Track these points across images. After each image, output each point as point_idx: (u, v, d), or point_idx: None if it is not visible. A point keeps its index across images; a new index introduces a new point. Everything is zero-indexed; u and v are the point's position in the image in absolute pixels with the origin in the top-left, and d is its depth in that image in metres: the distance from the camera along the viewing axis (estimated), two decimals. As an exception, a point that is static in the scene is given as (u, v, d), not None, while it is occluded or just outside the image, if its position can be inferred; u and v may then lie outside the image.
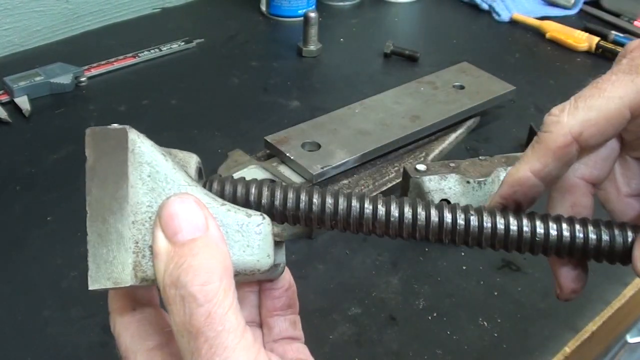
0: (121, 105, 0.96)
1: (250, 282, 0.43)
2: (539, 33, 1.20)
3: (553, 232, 0.40)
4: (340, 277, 0.70)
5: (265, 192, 0.38)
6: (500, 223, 0.39)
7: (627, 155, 0.43)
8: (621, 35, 1.16)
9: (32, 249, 0.71)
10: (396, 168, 0.82)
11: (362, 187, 0.78)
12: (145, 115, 0.94)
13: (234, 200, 0.38)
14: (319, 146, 0.79)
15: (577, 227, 0.40)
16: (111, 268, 0.34)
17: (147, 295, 0.39)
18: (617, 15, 1.26)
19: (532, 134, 0.87)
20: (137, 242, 0.34)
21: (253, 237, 0.35)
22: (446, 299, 0.68)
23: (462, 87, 0.92)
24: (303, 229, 0.72)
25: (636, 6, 1.26)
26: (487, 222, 0.39)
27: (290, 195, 0.38)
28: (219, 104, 0.97)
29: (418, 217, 0.39)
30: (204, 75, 1.04)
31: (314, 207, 0.38)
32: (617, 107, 0.38)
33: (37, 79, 0.95)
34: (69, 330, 0.62)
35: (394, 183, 0.79)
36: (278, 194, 0.38)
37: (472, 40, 1.19)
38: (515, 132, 0.91)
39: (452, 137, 0.88)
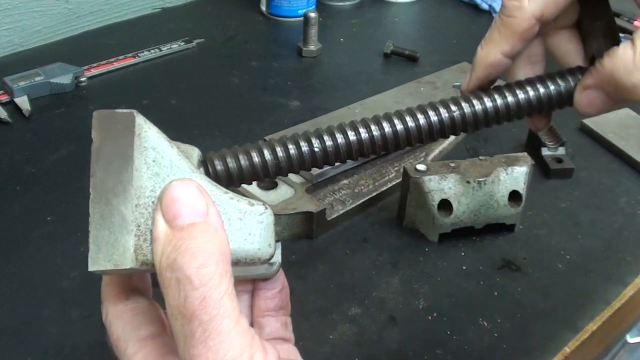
0: (121, 105, 0.95)
1: (244, 282, 0.43)
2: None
3: (522, 98, 0.45)
4: (340, 277, 0.70)
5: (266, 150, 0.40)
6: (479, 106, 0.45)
7: None
8: (621, 35, 1.16)
9: (32, 249, 0.71)
10: (396, 168, 0.82)
11: (362, 187, 0.78)
12: (145, 115, 0.93)
13: (239, 171, 0.39)
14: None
15: (537, 88, 0.45)
16: (112, 250, 0.34)
17: (142, 286, 0.39)
18: (616, 15, 1.26)
19: (532, 134, 0.87)
20: (139, 226, 0.34)
21: (255, 226, 0.35)
22: (446, 299, 0.68)
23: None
24: (303, 229, 0.72)
25: (636, 6, 1.26)
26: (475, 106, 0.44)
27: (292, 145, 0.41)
28: (219, 104, 0.97)
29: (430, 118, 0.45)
30: (204, 75, 1.04)
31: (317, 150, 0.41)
32: None
33: (37, 79, 0.95)
34: (69, 330, 0.62)
35: (394, 183, 0.79)
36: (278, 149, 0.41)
37: (472, 40, 1.18)
38: (515, 132, 0.91)
39: (452, 137, 0.88)
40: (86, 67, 1.00)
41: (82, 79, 0.99)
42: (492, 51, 0.45)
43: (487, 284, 0.70)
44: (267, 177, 0.41)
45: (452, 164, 0.73)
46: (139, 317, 0.37)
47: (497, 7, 1.25)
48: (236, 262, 0.35)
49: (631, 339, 0.95)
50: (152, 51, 1.07)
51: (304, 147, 0.41)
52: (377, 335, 0.64)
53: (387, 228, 0.76)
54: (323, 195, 0.77)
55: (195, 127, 0.90)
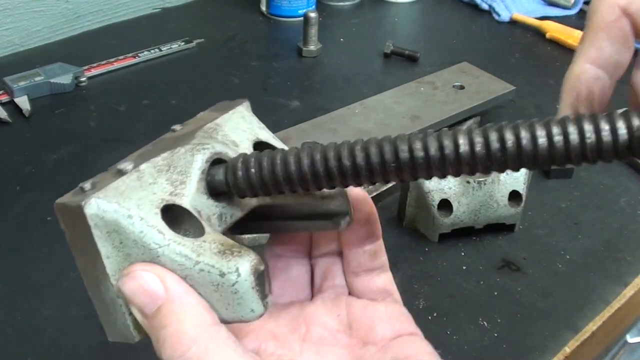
0: (121, 105, 0.96)
1: None
2: (539, 33, 1.20)
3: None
4: (340, 277, 0.70)
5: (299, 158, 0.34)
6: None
7: None
8: None
9: (32, 249, 0.71)
10: (396, 168, 0.82)
11: (362, 187, 0.78)
12: (145, 115, 0.94)
13: (261, 180, 0.34)
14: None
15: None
16: (116, 328, 0.34)
17: None
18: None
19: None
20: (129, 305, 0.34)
21: (231, 297, 0.33)
22: (446, 299, 0.68)
23: (462, 87, 0.92)
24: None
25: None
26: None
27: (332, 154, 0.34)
28: (219, 104, 0.97)
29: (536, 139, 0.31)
30: (204, 75, 1.04)
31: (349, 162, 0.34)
32: None
33: (37, 79, 0.95)
34: (69, 330, 0.62)
35: (394, 183, 0.79)
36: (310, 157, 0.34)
37: (472, 40, 1.19)
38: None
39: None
40: (86, 67, 1.00)
41: (82, 79, 0.99)
42: (576, 64, 0.35)
43: (487, 284, 0.70)
44: (294, 190, 0.35)
45: (452, 164, 0.73)
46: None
47: (497, 7, 1.25)
48: (227, 323, 0.34)
49: (631, 339, 0.95)
50: (152, 51, 1.07)
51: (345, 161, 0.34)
52: (377, 335, 0.64)
53: (387, 228, 0.76)
54: (323, 195, 0.77)
55: (195, 127, 0.90)
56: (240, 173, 0.35)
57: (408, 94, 0.90)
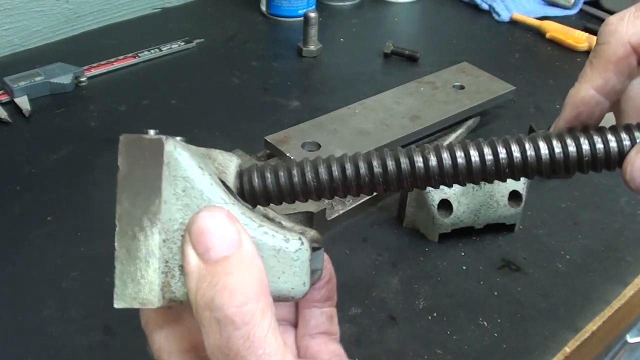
0: (121, 105, 0.96)
1: None
2: (539, 33, 1.20)
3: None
4: (340, 277, 0.69)
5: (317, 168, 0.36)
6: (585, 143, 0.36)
7: None
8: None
9: (32, 249, 0.71)
10: (396, 168, 0.82)
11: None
12: (145, 115, 0.94)
13: (277, 188, 0.36)
14: (319, 146, 0.79)
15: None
16: (138, 287, 0.32)
17: None
18: (617, 15, 1.26)
19: (532, 133, 0.87)
20: (167, 262, 0.32)
21: (289, 264, 0.33)
22: (446, 299, 0.68)
23: (462, 87, 0.92)
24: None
25: (636, 6, 1.26)
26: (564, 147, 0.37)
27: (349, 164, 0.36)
28: (219, 104, 0.97)
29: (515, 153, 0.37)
30: (204, 75, 1.04)
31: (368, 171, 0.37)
32: None
33: (37, 79, 0.95)
34: (69, 330, 0.62)
35: (394, 183, 0.79)
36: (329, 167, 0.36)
37: (472, 40, 1.19)
38: (515, 132, 0.91)
39: (452, 137, 0.88)
40: (86, 67, 1.00)
41: (82, 79, 0.99)
42: (582, 87, 0.38)
43: (487, 284, 0.70)
44: (309, 198, 0.37)
45: (452, 164, 0.73)
46: (181, 327, 0.35)
47: (497, 7, 1.25)
48: None
49: (631, 339, 0.95)
50: (152, 51, 1.07)
51: (363, 170, 0.36)
52: (377, 335, 0.64)
53: (387, 228, 0.76)
54: (323, 195, 0.77)
55: (195, 127, 0.90)
56: (256, 180, 0.36)
57: (408, 94, 0.90)
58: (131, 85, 1.00)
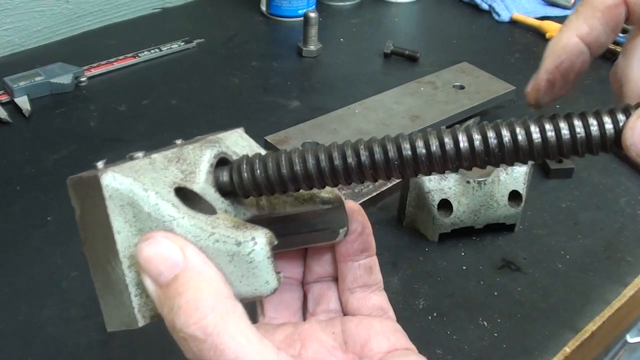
0: (121, 105, 0.96)
1: None
2: (539, 33, 1.20)
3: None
4: (340, 277, 0.70)
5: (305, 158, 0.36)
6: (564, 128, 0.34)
7: None
8: (621, 35, 1.16)
9: (32, 249, 0.71)
10: (396, 168, 0.82)
11: (362, 187, 0.78)
12: (145, 115, 0.94)
13: (266, 179, 0.36)
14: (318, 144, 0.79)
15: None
16: (120, 313, 0.33)
17: None
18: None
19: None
20: (137, 284, 0.33)
21: (246, 267, 0.33)
22: (446, 299, 0.68)
23: (462, 87, 0.92)
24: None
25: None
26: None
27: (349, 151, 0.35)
28: (219, 104, 0.97)
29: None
30: (204, 75, 1.04)
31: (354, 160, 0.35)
32: None
33: (37, 79, 0.95)
34: (69, 330, 0.62)
35: (394, 183, 0.79)
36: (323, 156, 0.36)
37: (472, 40, 1.19)
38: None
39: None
40: (86, 67, 1.00)
41: (82, 79, 0.99)
42: (566, 34, 0.36)
43: (487, 284, 0.70)
44: (298, 189, 0.37)
45: (452, 164, 0.73)
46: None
47: (497, 7, 1.25)
48: (240, 300, 0.33)
49: (631, 339, 0.95)
50: (152, 51, 1.07)
51: (350, 159, 0.35)
52: (377, 335, 0.63)
53: (387, 228, 0.76)
54: (323, 195, 0.77)
55: (195, 127, 0.90)
56: (245, 172, 0.36)
57: (408, 94, 0.90)
58: (131, 85, 1.00)
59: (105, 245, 0.33)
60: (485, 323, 0.65)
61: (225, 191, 0.36)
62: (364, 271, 0.42)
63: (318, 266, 0.43)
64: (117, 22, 1.18)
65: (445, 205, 0.72)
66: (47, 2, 1.10)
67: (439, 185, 0.71)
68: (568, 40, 0.36)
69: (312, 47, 1.09)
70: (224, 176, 0.36)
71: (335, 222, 0.38)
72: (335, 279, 0.43)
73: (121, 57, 1.04)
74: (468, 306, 0.67)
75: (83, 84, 0.99)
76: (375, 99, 0.89)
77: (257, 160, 0.36)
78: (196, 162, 0.36)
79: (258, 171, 0.36)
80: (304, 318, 0.43)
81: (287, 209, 0.39)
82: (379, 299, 0.42)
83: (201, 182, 0.36)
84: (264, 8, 1.23)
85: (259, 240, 0.33)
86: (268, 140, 0.79)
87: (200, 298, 0.31)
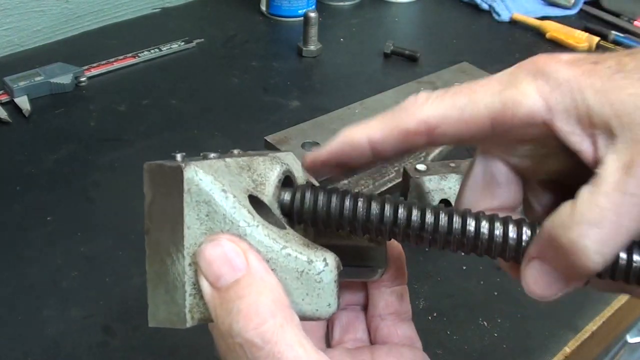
0: (121, 105, 0.96)
1: None
2: (539, 33, 1.20)
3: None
4: (340, 277, 0.70)
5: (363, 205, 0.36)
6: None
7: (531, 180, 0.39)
8: (621, 35, 1.16)
9: (32, 249, 0.71)
10: (396, 168, 0.82)
11: (362, 187, 0.78)
12: (145, 115, 0.94)
13: (327, 215, 0.36)
14: (319, 146, 0.79)
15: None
16: (168, 309, 0.33)
17: None
18: (617, 15, 1.26)
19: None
20: (194, 284, 0.33)
21: (313, 286, 0.33)
22: (446, 299, 0.68)
23: (462, 87, 0.92)
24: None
25: (636, 6, 1.26)
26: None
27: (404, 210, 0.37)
28: (219, 104, 0.97)
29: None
30: (204, 75, 1.04)
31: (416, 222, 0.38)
32: (481, 115, 0.35)
33: (37, 79, 0.95)
34: (69, 330, 0.62)
35: (394, 183, 0.79)
36: (379, 207, 0.37)
37: (472, 40, 1.19)
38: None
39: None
40: (86, 67, 1.00)
41: (82, 79, 0.99)
42: (359, 131, 0.38)
43: (487, 283, 0.70)
44: (353, 232, 0.37)
45: (452, 164, 0.73)
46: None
47: (497, 7, 1.25)
48: None
49: (631, 339, 0.95)
50: (152, 51, 1.07)
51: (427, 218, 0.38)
52: (377, 335, 0.64)
53: (387, 228, 0.76)
54: (323, 195, 0.77)
55: (195, 127, 0.90)
56: (308, 200, 0.36)
57: (408, 94, 0.89)
58: (131, 85, 1.00)
59: (171, 237, 0.32)
60: (485, 323, 0.65)
61: (283, 210, 0.37)
62: (396, 298, 0.42)
63: (349, 293, 0.43)
64: (117, 22, 1.18)
65: (445, 205, 0.71)
66: (47, 2, 1.10)
67: (439, 185, 0.71)
68: (358, 138, 0.38)
69: (312, 47, 1.09)
70: (286, 196, 0.37)
71: (375, 261, 0.38)
72: (364, 307, 0.43)
73: (121, 57, 1.04)
74: (468, 306, 0.67)
75: (83, 84, 0.99)
76: (375, 99, 0.89)
77: (321, 193, 0.36)
78: (266, 174, 0.36)
79: (321, 204, 0.36)
80: (328, 345, 0.43)
81: (332, 240, 0.39)
82: (408, 328, 0.42)
83: (269, 196, 0.36)
84: (264, 8, 1.23)
85: (330, 262, 0.33)
86: (268, 140, 0.79)
87: (262, 303, 0.30)
